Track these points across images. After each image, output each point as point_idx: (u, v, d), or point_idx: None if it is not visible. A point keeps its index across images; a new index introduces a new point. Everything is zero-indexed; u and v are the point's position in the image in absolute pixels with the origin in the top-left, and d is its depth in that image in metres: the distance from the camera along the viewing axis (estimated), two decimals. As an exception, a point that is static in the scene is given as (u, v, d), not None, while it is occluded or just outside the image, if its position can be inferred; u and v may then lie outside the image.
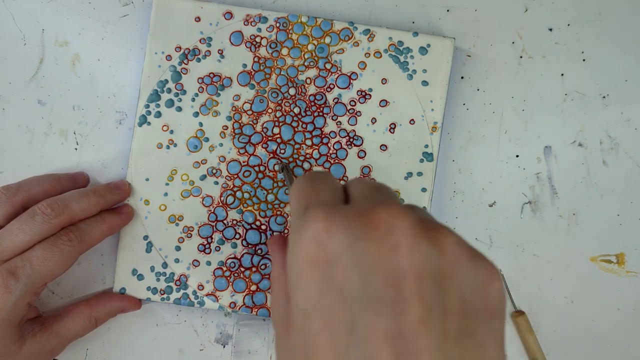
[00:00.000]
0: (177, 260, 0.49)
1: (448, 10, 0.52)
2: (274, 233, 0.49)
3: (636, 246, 0.53)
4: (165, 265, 0.49)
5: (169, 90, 0.49)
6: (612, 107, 0.52)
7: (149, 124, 0.49)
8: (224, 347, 0.52)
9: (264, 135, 0.49)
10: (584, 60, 0.52)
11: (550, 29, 0.52)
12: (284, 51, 0.49)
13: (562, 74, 0.52)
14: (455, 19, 0.52)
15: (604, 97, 0.52)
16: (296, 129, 0.49)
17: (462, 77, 0.52)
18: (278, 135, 0.49)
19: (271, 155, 0.49)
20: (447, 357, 0.25)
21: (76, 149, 0.50)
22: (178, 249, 0.49)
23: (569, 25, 0.52)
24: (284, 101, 0.49)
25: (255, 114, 0.49)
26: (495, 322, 0.28)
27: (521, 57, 0.52)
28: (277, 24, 0.49)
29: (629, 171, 0.53)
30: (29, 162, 0.50)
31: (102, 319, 0.48)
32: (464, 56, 0.52)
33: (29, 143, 0.50)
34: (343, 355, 0.26)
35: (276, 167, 0.49)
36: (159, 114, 0.49)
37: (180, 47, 0.49)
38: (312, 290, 0.27)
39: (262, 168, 0.49)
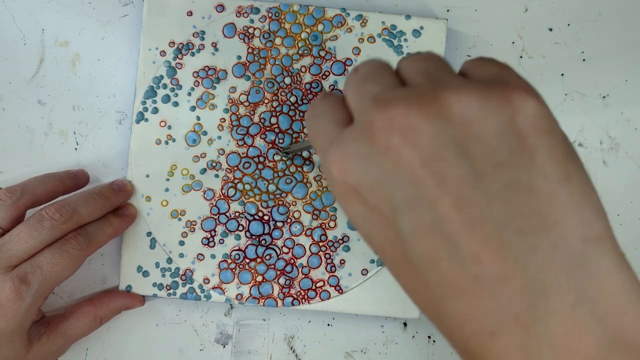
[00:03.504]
0: (181, 255, 0.49)
1: (448, 10, 0.52)
2: (277, 223, 0.49)
3: (636, 246, 0.52)
4: (169, 260, 0.49)
5: (165, 86, 0.49)
6: (612, 107, 0.52)
7: (147, 120, 0.49)
8: (224, 347, 0.51)
9: (262, 125, 0.49)
10: (584, 60, 0.52)
11: (550, 29, 0.52)
12: (278, 41, 0.49)
13: (562, 74, 0.52)
14: (455, 19, 0.52)
15: (604, 97, 0.52)
16: (294, 118, 0.49)
17: (462, 76, 0.52)
18: (276, 125, 0.49)
19: (270, 145, 0.49)
20: (497, 218, 0.25)
21: (76, 149, 0.50)
22: (182, 243, 0.49)
23: (569, 25, 0.52)
24: (280, 91, 0.49)
25: (252, 105, 0.49)
26: (537, 156, 0.26)
27: (521, 57, 0.52)
28: (269, 14, 0.49)
29: (629, 171, 0.52)
30: (29, 162, 0.50)
31: (107, 317, 0.49)
32: (464, 56, 0.52)
33: (29, 143, 0.50)
34: (406, 259, 0.27)
35: (276, 158, 0.49)
36: (155, 110, 0.49)
37: (173, 42, 0.49)
38: (358, 218, 0.29)
39: (261, 159, 0.49)
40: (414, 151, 0.26)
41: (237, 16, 0.49)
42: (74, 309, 0.48)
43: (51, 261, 0.43)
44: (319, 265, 0.49)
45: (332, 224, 0.49)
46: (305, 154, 0.49)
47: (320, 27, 0.49)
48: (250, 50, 0.49)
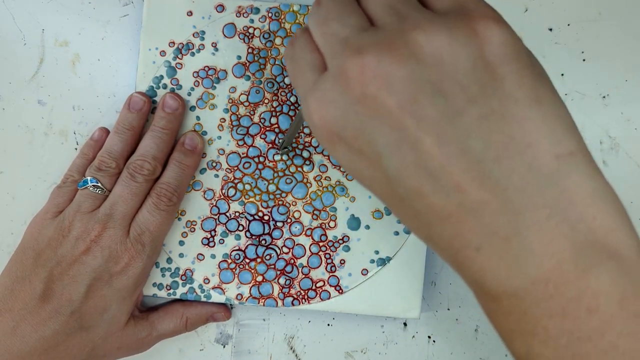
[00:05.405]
0: (181, 255, 0.49)
1: (448, 11, 0.52)
2: (277, 223, 0.49)
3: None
4: (170, 260, 0.49)
5: (165, 86, 0.49)
6: (612, 107, 0.52)
7: (147, 120, 0.49)
8: (224, 347, 0.52)
9: (262, 125, 0.49)
10: (584, 60, 0.52)
11: (550, 29, 0.52)
12: (278, 41, 0.49)
13: (562, 74, 0.52)
14: (455, 19, 0.52)
15: (604, 97, 0.52)
16: (294, 118, 0.49)
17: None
18: (276, 125, 0.49)
19: (270, 145, 0.49)
20: (475, 150, 0.27)
21: (76, 148, 0.50)
22: (182, 243, 0.49)
23: (569, 25, 0.52)
24: (280, 91, 0.49)
25: (252, 105, 0.49)
26: (505, 84, 0.28)
27: (521, 57, 0.52)
28: (270, 14, 0.49)
29: (629, 171, 0.52)
30: (29, 162, 0.50)
31: (193, 320, 0.49)
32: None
33: (29, 143, 0.50)
34: (394, 194, 0.30)
35: (276, 158, 0.49)
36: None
37: (173, 42, 0.49)
38: (344, 161, 0.31)
39: (261, 159, 0.49)
40: (390, 97, 0.28)
41: (237, 16, 0.49)
42: (165, 306, 0.50)
43: (154, 221, 0.46)
44: (319, 265, 0.49)
45: (332, 224, 0.49)
46: (305, 154, 0.49)
47: (320, 27, 0.49)
48: (250, 50, 0.49)
